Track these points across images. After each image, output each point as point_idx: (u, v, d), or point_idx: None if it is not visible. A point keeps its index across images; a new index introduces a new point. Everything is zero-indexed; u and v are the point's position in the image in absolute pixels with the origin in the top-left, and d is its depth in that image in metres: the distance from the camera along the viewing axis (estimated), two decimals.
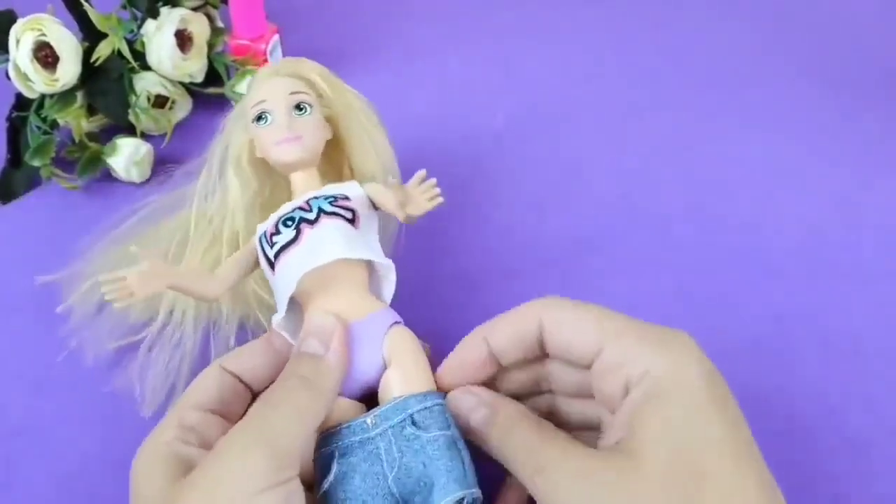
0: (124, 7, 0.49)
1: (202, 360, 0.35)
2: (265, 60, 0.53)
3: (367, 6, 0.68)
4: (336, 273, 0.29)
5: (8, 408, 0.35)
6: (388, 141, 0.37)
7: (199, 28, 0.50)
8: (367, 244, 0.30)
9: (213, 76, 0.52)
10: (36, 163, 0.45)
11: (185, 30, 0.49)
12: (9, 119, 0.48)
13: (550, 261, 0.42)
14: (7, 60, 0.45)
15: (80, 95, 0.47)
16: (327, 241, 0.28)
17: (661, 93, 0.57)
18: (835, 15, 0.67)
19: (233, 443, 0.23)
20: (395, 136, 0.38)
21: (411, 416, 0.25)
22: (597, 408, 0.27)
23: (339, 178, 0.36)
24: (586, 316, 0.26)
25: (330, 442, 0.26)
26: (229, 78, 0.52)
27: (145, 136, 0.49)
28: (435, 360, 0.29)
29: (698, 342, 0.25)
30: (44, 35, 0.44)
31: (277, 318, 0.29)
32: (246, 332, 0.37)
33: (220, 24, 0.55)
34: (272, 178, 0.35)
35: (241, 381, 0.29)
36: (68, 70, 0.45)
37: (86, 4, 0.46)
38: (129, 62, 0.48)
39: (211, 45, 0.52)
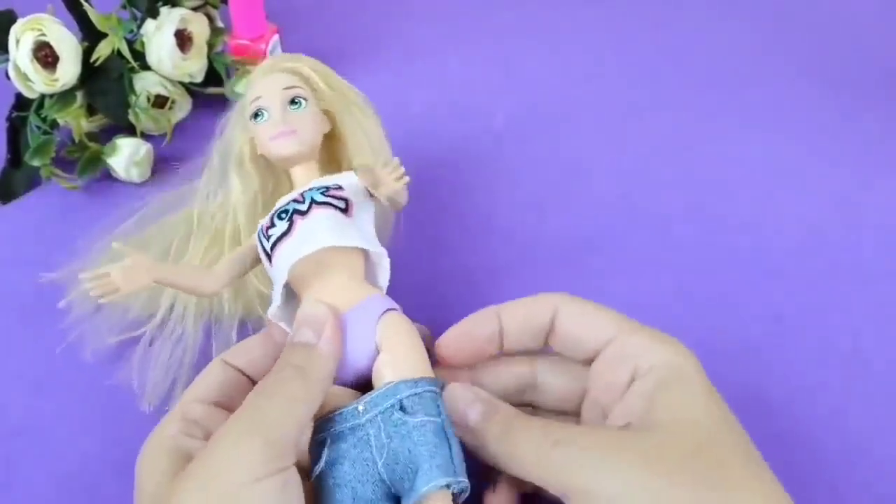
0: (124, 7, 0.49)
1: (203, 356, 0.36)
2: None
3: (367, 6, 0.68)
4: (329, 262, 0.29)
5: (8, 408, 0.35)
6: (382, 133, 0.37)
7: (199, 28, 0.50)
8: (359, 232, 0.30)
9: (213, 76, 0.52)
10: (36, 163, 0.45)
11: (185, 30, 0.49)
12: (9, 119, 0.48)
13: (550, 260, 0.42)
14: (7, 60, 0.45)
15: (79, 95, 0.47)
16: (317, 231, 0.29)
17: (661, 93, 0.57)
18: (835, 15, 0.67)
19: (228, 433, 0.23)
20: (395, 136, 0.38)
21: (400, 401, 0.25)
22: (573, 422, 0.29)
23: (339, 171, 0.36)
24: (602, 311, 0.28)
25: (323, 429, 0.26)
26: (229, 78, 0.52)
27: (145, 136, 0.49)
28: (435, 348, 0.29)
29: (699, 341, 0.26)
30: (44, 35, 0.44)
31: (273, 308, 0.29)
32: (247, 328, 0.37)
33: (220, 24, 0.55)
34: (274, 174, 0.35)
35: (243, 374, 0.29)
36: (68, 70, 0.45)
37: (86, 4, 0.46)
38: (129, 62, 0.48)
39: (211, 45, 0.52)
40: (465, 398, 0.26)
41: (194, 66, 0.50)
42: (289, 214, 0.29)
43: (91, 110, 0.49)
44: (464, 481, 0.24)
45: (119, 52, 0.47)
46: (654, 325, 0.39)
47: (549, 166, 0.49)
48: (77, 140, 0.47)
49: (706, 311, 0.40)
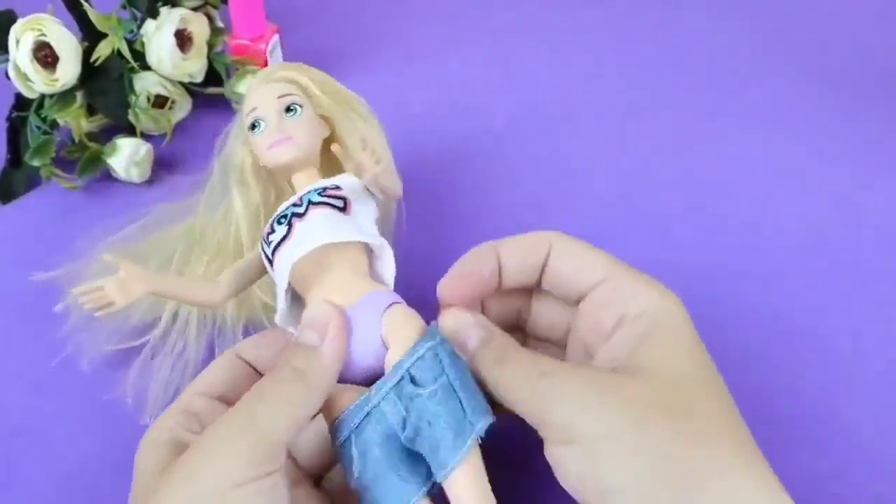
0: (124, 7, 0.49)
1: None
2: (265, 60, 0.53)
3: (367, 6, 0.68)
4: (329, 260, 0.29)
5: (8, 408, 0.35)
6: (382, 134, 0.37)
7: (199, 28, 0.50)
8: (357, 228, 0.30)
9: (213, 76, 0.52)
10: (36, 163, 0.45)
11: (184, 30, 0.49)
12: (9, 119, 0.48)
13: None
14: (7, 60, 0.45)
15: (79, 95, 0.47)
16: (313, 230, 0.29)
17: (661, 93, 0.57)
18: (835, 15, 0.67)
19: (215, 434, 0.23)
20: (394, 136, 0.38)
21: (408, 371, 0.25)
22: (560, 353, 0.30)
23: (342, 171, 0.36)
24: (594, 252, 0.28)
25: (343, 430, 0.25)
26: (229, 78, 0.52)
27: (145, 136, 0.49)
28: None
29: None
30: (44, 35, 0.44)
31: (279, 313, 0.29)
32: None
33: (220, 24, 0.55)
34: (276, 185, 0.35)
35: (255, 370, 0.29)
36: (68, 70, 0.45)
37: (86, 4, 0.46)
38: (128, 62, 0.48)
39: (211, 45, 0.52)
40: (465, 323, 0.27)
41: (194, 66, 0.50)
42: (287, 219, 0.29)
43: (91, 110, 0.49)
44: (482, 424, 0.25)
45: (119, 52, 0.47)
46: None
47: (549, 166, 0.49)
48: (77, 140, 0.47)
49: (706, 311, 0.40)
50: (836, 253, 0.43)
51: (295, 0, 0.67)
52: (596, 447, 0.22)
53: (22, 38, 0.44)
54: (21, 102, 0.48)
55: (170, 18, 0.48)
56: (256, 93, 0.33)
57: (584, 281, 0.27)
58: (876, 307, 0.40)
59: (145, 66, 0.49)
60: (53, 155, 0.45)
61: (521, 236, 0.29)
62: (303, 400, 0.24)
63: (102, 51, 0.47)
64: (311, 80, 0.34)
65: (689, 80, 0.58)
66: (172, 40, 0.48)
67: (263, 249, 0.30)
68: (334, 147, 0.32)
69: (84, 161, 0.46)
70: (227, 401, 0.28)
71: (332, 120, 0.35)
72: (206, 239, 0.36)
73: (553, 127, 0.53)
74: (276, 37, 0.54)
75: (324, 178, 0.33)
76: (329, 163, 0.35)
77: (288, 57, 0.56)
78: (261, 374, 0.29)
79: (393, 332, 0.27)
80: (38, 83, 0.45)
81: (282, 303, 0.29)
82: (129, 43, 0.48)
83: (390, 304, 0.28)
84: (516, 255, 0.29)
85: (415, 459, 0.25)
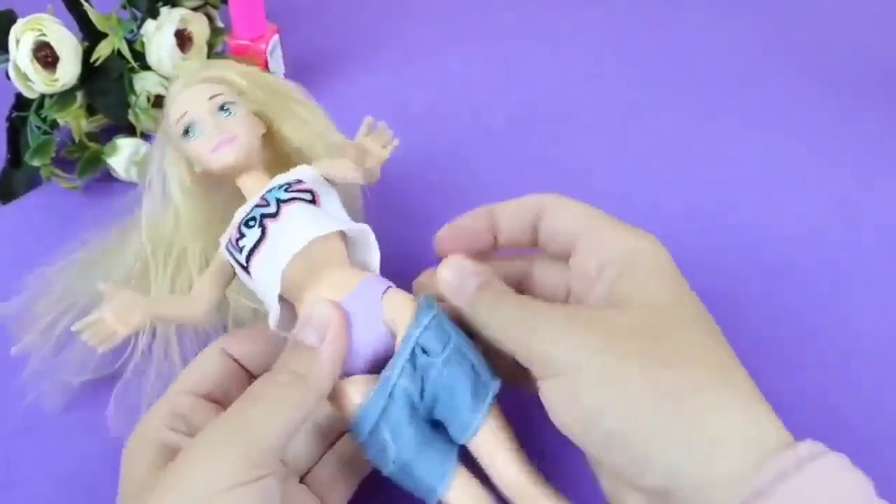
0: (124, 7, 0.49)
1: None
2: (265, 61, 0.53)
3: (367, 6, 0.68)
4: (314, 256, 0.28)
5: (8, 408, 0.35)
6: (324, 114, 0.36)
7: (199, 28, 0.50)
8: (335, 218, 0.29)
9: None
10: (36, 163, 0.45)
11: (185, 30, 0.49)
12: (9, 119, 0.48)
13: None
14: (7, 60, 0.45)
15: (80, 95, 0.47)
16: (296, 227, 0.28)
17: (661, 93, 0.57)
18: (835, 15, 0.67)
19: (208, 437, 0.23)
20: (394, 136, 0.38)
21: (418, 342, 0.25)
22: None
23: (285, 168, 0.33)
24: (579, 206, 0.29)
25: (369, 418, 0.25)
26: None
27: (145, 136, 0.49)
28: None
29: None
30: (44, 35, 0.44)
31: (273, 319, 0.28)
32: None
33: (220, 24, 0.55)
34: (221, 189, 0.33)
35: (242, 367, 0.28)
36: (68, 70, 0.45)
37: (86, 4, 0.46)
38: (128, 62, 0.48)
39: (211, 45, 0.52)
40: (465, 269, 0.27)
41: (194, 66, 0.50)
42: (257, 221, 0.28)
43: (91, 110, 0.49)
44: (496, 383, 0.26)
45: (119, 52, 0.47)
46: None
47: (549, 166, 0.49)
48: (77, 140, 0.47)
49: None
50: (836, 253, 0.43)
51: (295, 0, 0.67)
52: (576, 377, 0.23)
53: (22, 38, 0.44)
54: (21, 102, 0.48)
55: (170, 18, 0.48)
56: (182, 97, 0.31)
57: (570, 234, 0.28)
58: (876, 307, 0.40)
59: (145, 66, 0.49)
60: (53, 155, 0.45)
61: (514, 200, 0.30)
62: (299, 403, 0.24)
63: (102, 51, 0.47)
64: (238, 76, 0.33)
65: (689, 80, 0.58)
66: (172, 40, 0.48)
67: (234, 257, 0.29)
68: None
69: (84, 161, 0.46)
70: (215, 399, 0.27)
71: (269, 114, 0.33)
72: (160, 256, 0.34)
73: (553, 127, 0.53)
74: (276, 37, 0.54)
75: (269, 176, 0.31)
76: (272, 160, 0.34)
77: (288, 57, 0.56)
78: (247, 370, 0.29)
79: (398, 314, 0.27)
80: (38, 83, 0.45)
81: (275, 309, 0.28)
82: (129, 43, 0.48)
83: (386, 289, 0.28)
84: (509, 213, 0.30)
85: (438, 428, 0.26)
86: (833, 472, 0.21)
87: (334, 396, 0.26)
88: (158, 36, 0.48)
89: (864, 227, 0.45)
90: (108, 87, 0.47)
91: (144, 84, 0.49)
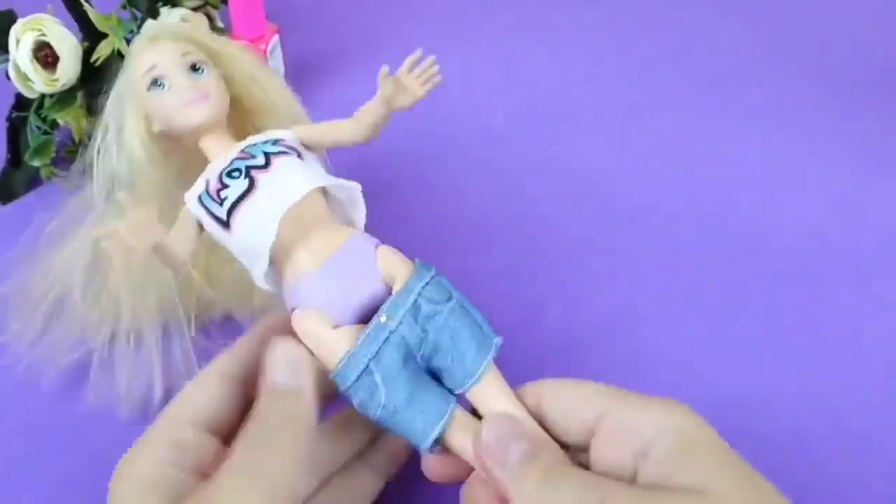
0: (124, 7, 0.49)
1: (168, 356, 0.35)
2: (265, 61, 0.53)
3: (367, 6, 0.68)
4: (302, 212, 0.27)
5: (8, 408, 0.35)
6: (282, 82, 0.35)
7: (199, 28, 0.50)
8: (324, 173, 0.29)
9: None
10: (36, 163, 0.45)
11: None
12: (9, 119, 0.48)
13: (550, 261, 0.42)
14: (7, 60, 0.45)
15: (80, 95, 0.47)
16: (294, 178, 0.27)
17: (661, 93, 0.57)
18: (835, 15, 0.67)
19: (230, 484, 0.22)
20: (395, 136, 0.38)
21: (420, 294, 0.25)
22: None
23: (244, 138, 0.32)
24: (583, 386, 0.25)
25: (357, 362, 0.25)
26: None
27: None
28: None
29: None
30: (44, 35, 0.44)
31: (260, 275, 0.27)
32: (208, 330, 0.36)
33: (220, 24, 0.55)
34: (179, 150, 0.32)
35: (241, 384, 0.27)
36: (68, 70, 0.45)
37: (86, 4, 0.46)
38: None
39: None
40: (508, 431, 0.23)
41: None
42: (243, 172, 0.27)
43: (91, 110, 0.49)
44: (498, 338, 0.26)
45: (119, 52, 0.47)
46: (655, 324, 0.39)
47: (549, 166, 0.49)
48: (77, 140, 0.47)
49: (706, 311, 0.40)
50: (836, 253, 0.43)
51: (295, 0, 0.67)
52: None
53: (22, 38, 0.44)
54: (21, 102, 0.48)
55: (170, 18, 0.48)
56: (150, 50, 0.30)
57: (584, 415, 0.24)
58: (876, 307, 0.40)
59: None
60: (53, 155, 0.45)
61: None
62: (302, 443, 0.24)
63: (102, 51, 0.47)
64: (206, 38, 0.32)
65: (689, 80, 0.58)
66: None
67: (210, 209, 0.28)
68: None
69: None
70: (217, 431, 0.26)
71: (231, 81, 0.33)
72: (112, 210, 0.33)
73: (553, 127, 0.53)
74: (276, 37, 0.54)
75: (231, 140, 0.31)
76: (230, 125, 0.33)
77: (288, 57, 0.56)
78: (247, 389, 0.27)
79: (395, 268, 0.27)
80: (38, 83, 0.45)
81: (265, 264, 0.27)
82: (129, 43, 0.48)
83: (377, 244, 0.28)
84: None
85: (433, 376, 0.26)
86: None
87: (320, 346, 0.26)
88: None
89: (864, 227, 0.45)
90: (108, 88, 0.47)
91: None
